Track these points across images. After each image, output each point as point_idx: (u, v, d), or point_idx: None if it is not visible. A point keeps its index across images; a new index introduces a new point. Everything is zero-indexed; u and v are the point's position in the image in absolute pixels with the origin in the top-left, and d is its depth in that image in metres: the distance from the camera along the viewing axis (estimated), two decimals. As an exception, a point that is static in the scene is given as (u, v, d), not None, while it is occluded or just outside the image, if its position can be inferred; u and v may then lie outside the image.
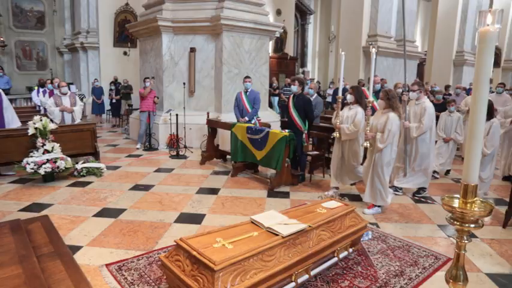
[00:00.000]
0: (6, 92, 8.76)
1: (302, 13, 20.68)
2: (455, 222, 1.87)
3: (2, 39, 16.30)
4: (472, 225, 1.85)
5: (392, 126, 4.41)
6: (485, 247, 3.82)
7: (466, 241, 1.91)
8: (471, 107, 1.85)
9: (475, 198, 1.84)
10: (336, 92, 11.83)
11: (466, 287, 1.98)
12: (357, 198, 5.33)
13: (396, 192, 5.38)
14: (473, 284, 3.01)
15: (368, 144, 4.54)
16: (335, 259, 3.15)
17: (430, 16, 19.33)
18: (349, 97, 5.11)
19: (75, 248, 3.54)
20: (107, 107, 13.28)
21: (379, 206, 4.70)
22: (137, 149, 8.58)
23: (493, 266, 3.44)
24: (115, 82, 13.23)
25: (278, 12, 16.85)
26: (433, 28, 17.56)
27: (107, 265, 3.25)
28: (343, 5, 13.67)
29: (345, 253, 3.28)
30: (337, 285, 3.01)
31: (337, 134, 5.06)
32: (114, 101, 12.81)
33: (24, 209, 4.60)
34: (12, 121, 6.30)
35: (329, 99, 12.79)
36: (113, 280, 3.02)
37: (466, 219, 1.84)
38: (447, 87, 12.03)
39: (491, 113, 4.96)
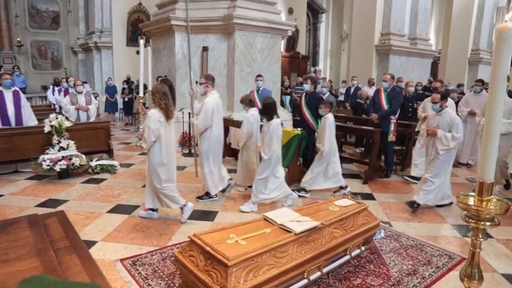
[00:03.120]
0: (23, 90, 8.92)
1: (314, 12, 20.59)
2: (471, 220, 1.85)
3: (18, 39, 16.63)
4: (488, 223, 1.83)
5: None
6: (501, 247, 3.76)
7: (481, 239, 1.89)
8: (487, 105, 1.83)
9: (491, 197, 1.82)
10: (348, 90, 11.77)
11: (481, 286, 1.97)
12: (369, 196, 5.30)
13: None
14: (488, 284, 2.97)
15: None
16: (347, 257, 3.15)
17: (444, 13, 19.05)
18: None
19: (90, 243, 3.61)
20: (120, 105, 13.44)
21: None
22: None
23: (509, 266, 3.39)
24: (128, 81, 13.37)
25: (290, 11, 16.82)
26: (447, 26, 17.29)
27: (121, 260, 3.30)
28: (356, 3, 13.55)
29: (357, 251, 3.27)
30: (350, 283, 3.00)
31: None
32: (126, 99, 12.95)
33: (41, 205, 4.70)
34: (30, 119, 6.43)
35: (341, 98, 12.70)
36: (127, 274, 3.07)
37: (481, 217, 1.83)
38: (459, 85, 11.84)
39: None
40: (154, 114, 4.02)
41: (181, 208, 4.25)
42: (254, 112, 5.11)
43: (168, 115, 4.11)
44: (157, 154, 4.07)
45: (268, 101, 4.74)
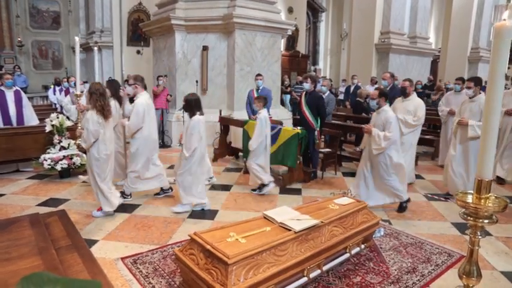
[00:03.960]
0: (24, 90, 8.94)
1: (314, 11, 20.58)
2: (469, 217, 1.87)
3: (19, 39, 16.65)
4: (486, 221, 1.85)
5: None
6: (500, 245, 3.78)
7: (479, 237, 1.91)
8: (485, 103, 1.84)
9: (489, 194, 1.84)
10: (348, 89, 11.78)
11: (479, 283, 1.98)
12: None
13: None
14: (487, 281, 2.99)
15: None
16: (347, 255, 3.16)
17: (444, 12, 19.04)
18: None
19: (92, 242, 3.63)
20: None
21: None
22: (150, 146, 8.68)
23: (508, 264, 3.40)
24: (128, 81, 13.40)
25: (290, 10, 16.81)
26: (447, 24, 17.30)
27: (122, 258, 3.32)
28: (356, 2, 13.56)
29: (357, 249, 3.29)
30: (349, 281, 3.02)
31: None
32: (127, 99, 12.97)
33: (42, 204, 4.72)
34: (31, 119, 6.45)
35: (341, 96, 12.71)
36: (128, 273, 3.08)
37: (479, 215, 1.84)
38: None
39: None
40: (92, 116, 4.08)
41: (100, 209, 4.31)
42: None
43: (105, 115, 4.17)
44: (96, 153, 4.16)
45: (191, 97, 4.59)
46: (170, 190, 5.12)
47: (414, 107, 5.48)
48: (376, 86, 9.15)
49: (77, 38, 5.84)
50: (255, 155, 5.24)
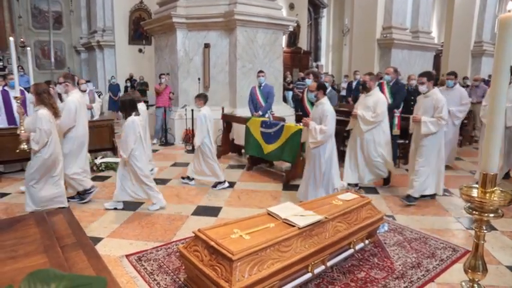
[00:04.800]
0: (27, 90, 8.98)
1: (315, 7, 20.50)
2: (474, 212, 1.86)
3: (22, 39, 16.70)
4: (492, 215, 1.84)
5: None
6: (506, 239, 3.76)
7: (485, 231, 1.89)
8: (490, 96, 1.83)
9: (495, 188, 1.82)
10: (350, 85, 11.73)
11: (485, 278, 1.97)
12: (373, 190, 5.30)
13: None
14: (492, 276, 2.98)
15: None
16: (351, 250, 3.16)
17: (446, 6, 18.90)
18: None
19: (96, 240, 3.65)
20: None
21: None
22: (153, 144, 8.70)
23: (514, 258, 3.39)
24: (130, 79, 13.41)
25: (291, 7, 16.76)
26: (450, 18, 17.15)
27: (127, 256, 3.34)
28: (357, -3, 13.48)
29: (361, 245, 3.28)
30: (354, 276, 3.02)
31: None
32: (130, 97, 13.00)
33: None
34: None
35: (343, 92, 12.66)
36: (133, 270, 3.10)
37: (485, 209, 1.83)
38: (465, 78, 11.76)
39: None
40: (44, 115, 4.01)
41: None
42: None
43: (56, 114, 4.15)
44: (49, 153, 4.10)
45: (125, 97, 4.53)
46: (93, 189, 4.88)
47: (374, 102, 5.12)
48: (380, 81, 9.10)
49: (11, 38, 5.52)
50: (210, 152, 5.38)
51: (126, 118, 4.40)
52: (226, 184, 5.44)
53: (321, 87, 4.50)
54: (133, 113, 4.39)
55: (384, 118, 5.16)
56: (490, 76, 7.64)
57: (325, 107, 4.41)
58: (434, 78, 4.94)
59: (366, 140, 5.15)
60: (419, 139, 4.78)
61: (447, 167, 6.11)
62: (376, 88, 5.30)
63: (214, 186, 5.42)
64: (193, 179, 5.55)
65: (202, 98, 5.40)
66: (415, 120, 4.81)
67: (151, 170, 5.74)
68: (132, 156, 4.32)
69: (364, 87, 5.35)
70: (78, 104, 4.61)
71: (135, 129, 4.32)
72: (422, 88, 4.81)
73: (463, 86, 9.71)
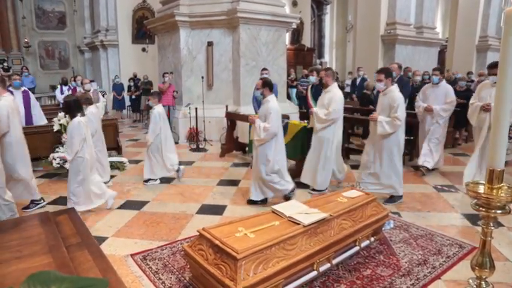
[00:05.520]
0: (32, 91, 9.04)
1: (318, 4, 20.42)
2: (481, 208, 1.83)
3: (26, 40, 16.79)
4: (499, 211, 1.81)
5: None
6: (513, 236, 3.73)
7: (492, 227, 1.87)
8: (496, 91, 1.80)
9: (502, 184, 1.80)
10: (354, 82, 11.67)
11: (492, 275, 1.95)
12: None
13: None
14: (500, 272, 2.95)
15: None
16: (357, 248, 3.15)
17: (451, 0, 18.72)
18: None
19: (101, 239, 3.66)
20: (127, 102, 13.52)
21: None
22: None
23: (521, 254, 3.35)
24: (134, 78, 13.44)
25: (294, 4, 16.68)
26: (454, 13, 17.00)
27: (132, 255, 3.34)
28: (361, -7, 13.40)
29: (367, 242, 3.27)
30: (359, 274, 3.00)
31: None
32: (133, 97, 13.03)
33: (52, 202, 4.78)
34: (40, 118, 6.52)
35: (347, 89, 12.61)
36: (138, 269, 3.10)
37: (492, 205, 1.81)
38: (469, 73, 11.66)
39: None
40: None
41: None
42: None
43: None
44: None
45: (69, 98, 4.37)
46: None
47: (328, 99, 4.87)
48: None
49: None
50: (153, 149, 5.42)
51: (71, 119, 4.22)
52: (158, 181, 5.55)
53: (267, 85, 4.42)
54: (79, 114, 4.24)
55: (339, 116, 4.92)
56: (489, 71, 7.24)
57: (269, 104, 4.32)
58: (392, 75, 4.69)
59: (319, 138, 4.98)
60: (377, 139, 4.61)
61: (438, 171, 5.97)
62: (333, 84, 5.00)
63: (146, 181, 5.49)
64: (156, 179, 5.56)
65: (156, 96, 5.50)
66: (371, 119, 4.62)
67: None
68: (75, 159, 4.15)
69: (321, 84, 5.18)
70: (11, 109, 4.26)
71: (81, 130, 4.15)
72: (379, 85, 4.57)
73: (469, 82, 9.64)
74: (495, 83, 4.69)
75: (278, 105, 4.43)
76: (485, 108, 4.80)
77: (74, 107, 4.25)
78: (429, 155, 5.82)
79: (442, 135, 5.92)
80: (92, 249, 2.48)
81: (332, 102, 4.82)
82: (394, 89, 4.51)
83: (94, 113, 5.25)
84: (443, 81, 5.93)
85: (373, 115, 4.60)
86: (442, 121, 5.81)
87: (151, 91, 5.81)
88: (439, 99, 5.79)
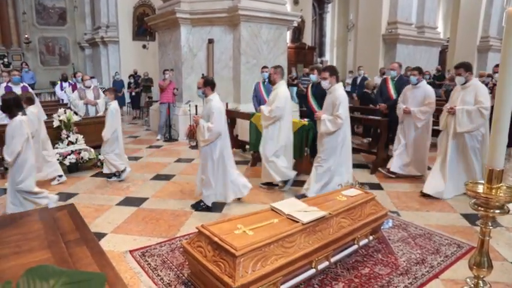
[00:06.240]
0: (32, 87, 9.03)
1: (320, 2, 20.37)
2: (480, 208, 1.84)
3: (26, 36, 16.75)
4: (497, 211, 1.81)
5: None
6: (511, 236, 3.73)
7: (490, 227, 1.87)
8: (497, 91, 1.80)
9: (501, 184, 1.80)
10: (354, 81, 11.67)
11: (490, 275, 1.96)
12: (377, 186, 5.28)
13: None
14: (498, 272, 2.95)
15: None
16: (355, 246, 3.15)
17: (453, 0, 18.70)
18: None
19: (100, 235, 3.66)
20: (128, 99, 13.51)
21: None
22: (157, 140, 8.73)
23: (519, 255, 3.36)
24: (134, 75, 13.43)
25: (295, 2, 16.66)
26: (456, 13, 17.00)
27: (130, 251, 3.35)
28: (362, -8, 13.38)
29: (365, 241, 3.27)
30: (358, 272, 3.01)
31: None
32: (134, 93, 13.02)
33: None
34: (41, 115, 6.50)
35: (348, 88, 12.60)
36: (136, 265, 3.11)
37: (490, 205, 1.81)
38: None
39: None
40: None
41: None
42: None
43: None
44: None
45: (8, 96, 4.04)
46: None
47: (273, 96, 4.87)
48: (384, 76, 9.03)
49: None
50: (109, 145, 5.41)
51: (11, 118, 3.89)
52: (123, 176, 5.56)
53: (208, 84, 4.31)
54: (20, 113, 3.91)
55: (282, 114, 4.84)
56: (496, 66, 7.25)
57: (211, 103, 4.21)
58: (337, 73, 4.62)
59: (264, 137, 5.03)
60: (320, 137, 4.63)
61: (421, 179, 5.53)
62: (281, 81, 4.95)
63: (109, 177, 5.53)
64: (119, 174, 5.56)
65: (111, 92, 5.52)
66: (316, 117, 4.61)
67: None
68: (16, 160, 3.85)
69: (269, 81, 5.12)
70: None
71: (23, 130, 3.83)
72: (324, 84, 4.53)
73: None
74: (462, 84, 4.68)
75: (221, 104, 4.32)
76: (449, 111, 4.69)
77: (14, 105, 3.90)
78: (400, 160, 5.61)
79: (423, 141, 5.49)
80: (90, 245, 2.48)
81: (275, 99, 4.84)
82: (338, 87, 4.52)
83: (34, 113, 4.91)
84: (423, 82, 5.59)
85: (317, 114, 4.63)
86: (421, 124, 5.39)
87: (107, 87, 5.81)
88: (418, 100, 5.43)
